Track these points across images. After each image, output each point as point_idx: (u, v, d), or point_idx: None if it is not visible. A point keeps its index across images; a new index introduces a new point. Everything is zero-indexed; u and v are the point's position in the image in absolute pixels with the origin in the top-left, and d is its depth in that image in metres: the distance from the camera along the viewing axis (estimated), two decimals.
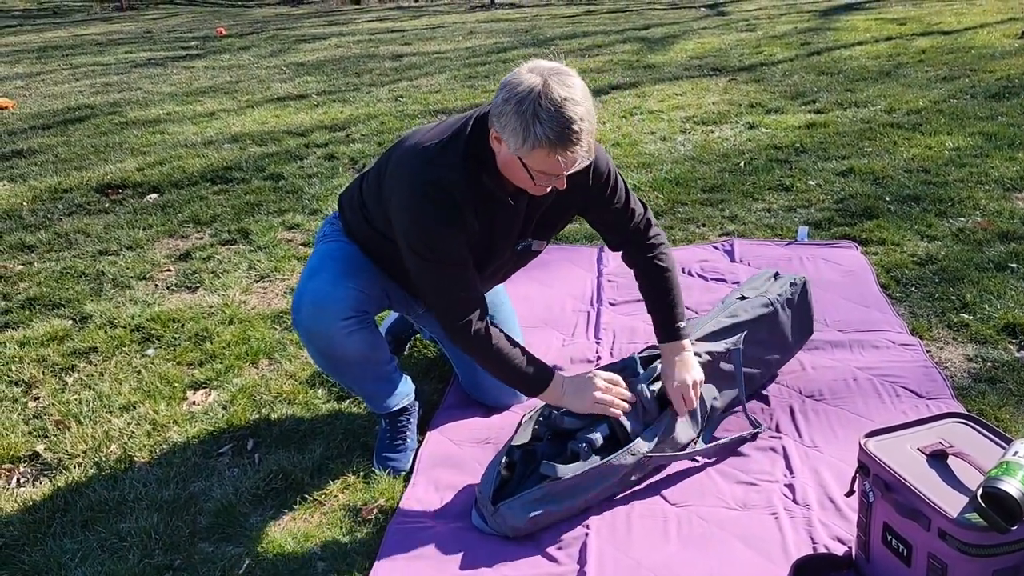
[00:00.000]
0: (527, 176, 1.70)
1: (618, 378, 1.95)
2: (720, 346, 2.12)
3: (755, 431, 2.10)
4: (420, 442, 2.17)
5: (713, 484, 1.96)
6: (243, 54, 8.94)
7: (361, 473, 2.06)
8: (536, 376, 1.91)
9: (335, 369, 2.04)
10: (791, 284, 2.34)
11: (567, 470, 1.82)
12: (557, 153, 1.62)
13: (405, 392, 2.14)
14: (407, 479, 2.03)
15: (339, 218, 2.11)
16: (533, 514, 1.79)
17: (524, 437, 1.96)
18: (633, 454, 1.88)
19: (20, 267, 3.45)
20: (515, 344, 1.90)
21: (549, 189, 1.76)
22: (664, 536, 1.81)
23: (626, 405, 1.92)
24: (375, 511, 1.93)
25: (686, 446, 2.01)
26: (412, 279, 1.88)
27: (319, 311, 1.90)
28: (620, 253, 2.10)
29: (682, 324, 2.02)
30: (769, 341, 2.26)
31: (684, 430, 2.00)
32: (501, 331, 1.89)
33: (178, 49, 9.53)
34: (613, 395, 1.92)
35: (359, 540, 1.84)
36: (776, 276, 2.40)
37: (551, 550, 1.78)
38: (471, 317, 1.83)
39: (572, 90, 1.60)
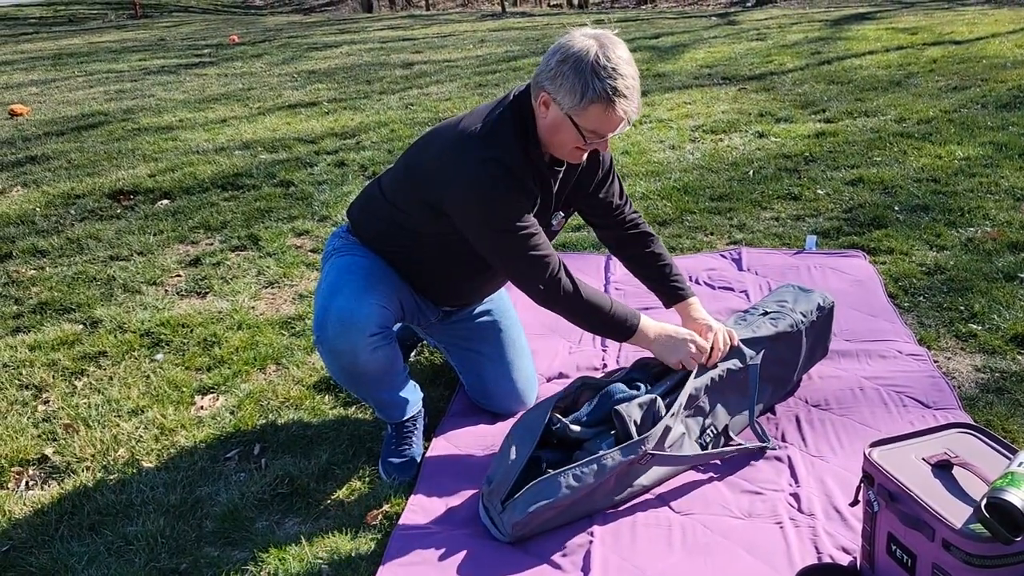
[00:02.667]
0: (576, 136, 1.79)
1: (706, 346, 2.04)
2: (735, 363, 2.11)
3: (763, 445, 2.09)
4: (425, 449, 2.18)
5: (718, 493, 1.96)
6: (255, 62, 9.00)
7: (366, 479, 2.07)
8: (624, 323, 1.99)
9: (354, 383, 2.04)
10: (819, 307, 2.30)
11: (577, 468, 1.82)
12: (611, 109, 1.74)
13: (414, 400, 2.15)
14: (412, 485, 2.04)
15: (349, 231, 2.11)
16: (531, 508, 1.78)
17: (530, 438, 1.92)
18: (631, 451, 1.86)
19: (32, 272, 3.48)
20: (598, 292, 1.98)
21: (585, 157, 1.88)
22: (668, 545, 1.81)
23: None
24: (380, 517, 1.94)
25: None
26: (492, 261, 1.93)
27: (346, 329, 1.90)
28: (612, 242, 2.22)
29: (683, 285, 2.18)
30: (784, 360, 2.23)
31: (689, 446, 2.00)
32: (579, 279, 1.96)
33: (191, 57, 9.61)
34: (699, 360, 2.03)
35: (364, 546, 1.85)
36: (803, 291, 2.35)
37: (555, 557, 1.78)
38: (558, 276, 1.90)
39: (623, 52, 1.76)
